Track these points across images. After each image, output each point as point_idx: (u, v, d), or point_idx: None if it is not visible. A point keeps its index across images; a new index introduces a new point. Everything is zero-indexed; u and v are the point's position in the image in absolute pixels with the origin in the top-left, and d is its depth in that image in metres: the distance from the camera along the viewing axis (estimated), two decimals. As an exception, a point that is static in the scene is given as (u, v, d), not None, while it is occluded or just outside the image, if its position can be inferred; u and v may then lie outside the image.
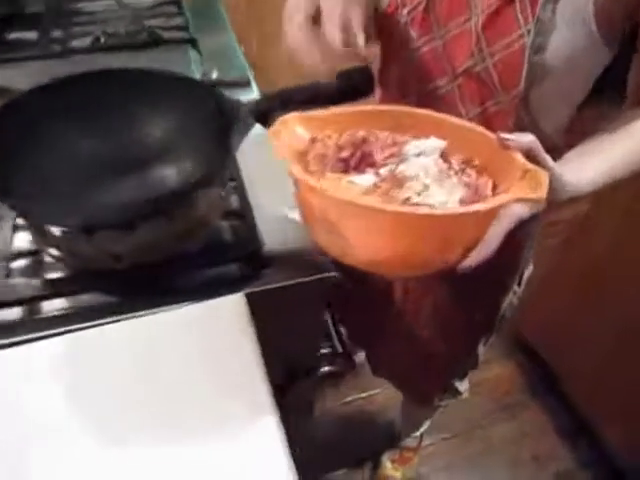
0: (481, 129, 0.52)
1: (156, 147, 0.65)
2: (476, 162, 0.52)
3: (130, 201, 0.58)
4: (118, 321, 0.59)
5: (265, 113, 0.63)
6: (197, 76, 0.97)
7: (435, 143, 0.51)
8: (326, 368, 0.89)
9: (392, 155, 0.50)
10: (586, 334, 1.41)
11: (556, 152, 0.61)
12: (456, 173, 0.49)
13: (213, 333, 0.58)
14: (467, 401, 1.19)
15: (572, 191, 0.56)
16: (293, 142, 0.51)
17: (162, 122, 0.66)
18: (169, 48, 1.08)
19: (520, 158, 0.48)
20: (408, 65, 0.69)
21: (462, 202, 0.46)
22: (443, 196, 0.46)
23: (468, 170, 0.50)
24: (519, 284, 0.97)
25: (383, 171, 0.49)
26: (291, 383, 0.84)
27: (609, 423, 1.42)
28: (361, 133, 0.53)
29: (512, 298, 0.98)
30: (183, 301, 0.61)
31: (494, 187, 0.49)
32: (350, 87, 0.63)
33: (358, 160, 0.50)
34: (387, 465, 1.45)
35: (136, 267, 0.61)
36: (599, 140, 0.61)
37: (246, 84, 0.95)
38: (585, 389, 1.48)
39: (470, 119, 0.68)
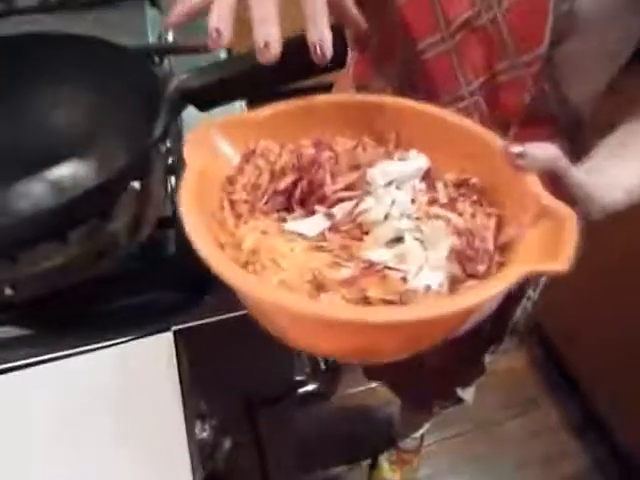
0: (482, 131, 0.37)
1: (62, 137, 0.49)
2: (474, 180, 0.36)
3: (10, 220, 0.44)
4: (13, 369, 0.47)
5: (200, 92, 0.48)
6: (152, 38, 0.81)
7: (414, 164, 0.36)
8: (307, 388, 0.76)
9: (351, 186, 0.34)
10: (603, 326, 1.30)
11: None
12: (443, 208, 0.34)
13: (129, 384, 0.47)
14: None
15: (610, 209, 0.42)
16: (216, 166, 0.36)
17: (73, 102, 0.50)
18: (126, 5, 0.92)
19: (536, 187, 0.33)
20: (390, 19, 0.52)
21: (451, 258, 0.31)
22: (421, 254, 0.31)
23: (460, 203, 0.35)
24: (535, 289, 0.82)
25: (337, 210, 0.33)
26: (260, 410, 0.72)
27: (625, 420, 1.32)
28: (310, 150, 0.37)
29: (526, 304, 0.84)
30: (98, 340, 0.48)
31: (499, 224, 0.34)
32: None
33: (304, 192, 0.35)
34: (384, 466, 1.34)
35: (37, 299, 0.47)
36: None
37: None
38: (601, 384, 1.37)
39: (471, 92, 0.52)
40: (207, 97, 0.48)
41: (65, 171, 0.44)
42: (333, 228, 0.33)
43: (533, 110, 0.53)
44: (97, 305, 0.48)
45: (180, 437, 0.44)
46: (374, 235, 0.33)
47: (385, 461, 1.36)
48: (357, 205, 0.33)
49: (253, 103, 0.47)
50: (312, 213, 0.34)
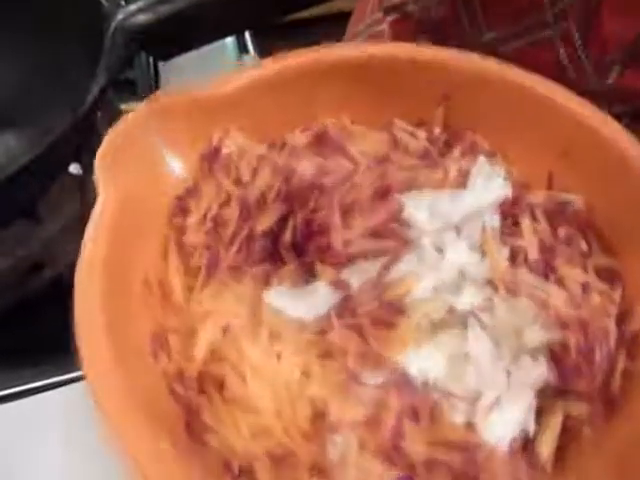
0: (593, 113, 0.22)
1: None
2: (577, 206, 0.22)
3: None
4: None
5: (156, 30, 0.33)
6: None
7: (487, 193, 0.21)
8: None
9: (377, 231, 0.20)
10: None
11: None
12: (533, 272, 0.20)
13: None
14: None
15: None
16: (157, 185, 0.22)
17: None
18: None
19: None
20: None
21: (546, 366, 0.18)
22: (499, 369, 0.18)
23: (561, 259, 0.20)
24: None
25: (353, 274, 0.20)
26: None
27: None
28: (305, 164, 0.22)
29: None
30: (40, 378, 0.36)
31: (624, 299, 0.20)
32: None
33: (298, 236, 0.20)
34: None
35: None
36: None
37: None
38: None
39: (557, 16, 0.36)
40: (168, 39, 0.33)
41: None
42: (345, 308, 0.19)
43: None
44: (38, 333, 0.36)
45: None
46: (415, 322, 0.19)
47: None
48: (387, 267, 0.20)
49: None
50: (309, 279, 0.20)
